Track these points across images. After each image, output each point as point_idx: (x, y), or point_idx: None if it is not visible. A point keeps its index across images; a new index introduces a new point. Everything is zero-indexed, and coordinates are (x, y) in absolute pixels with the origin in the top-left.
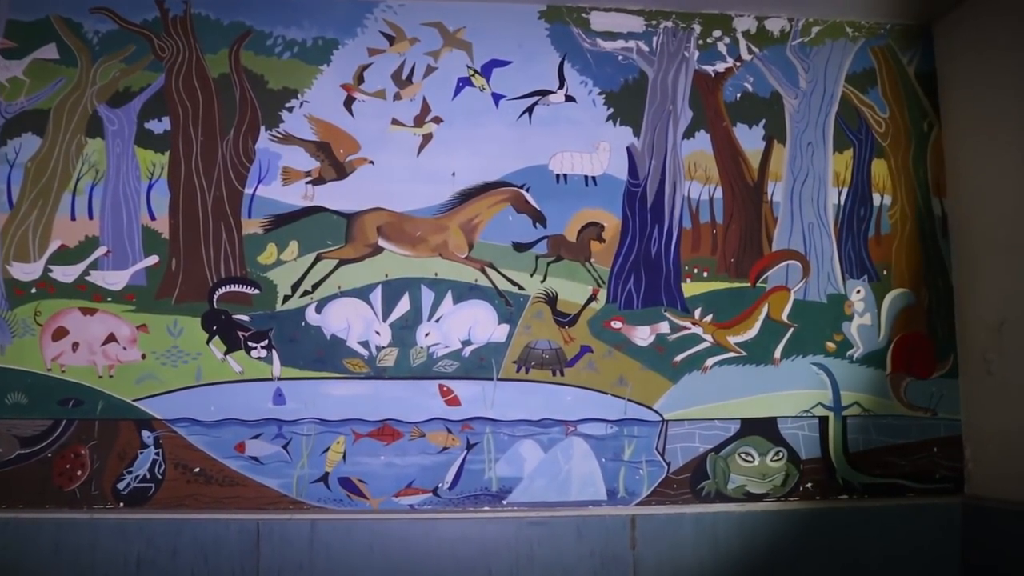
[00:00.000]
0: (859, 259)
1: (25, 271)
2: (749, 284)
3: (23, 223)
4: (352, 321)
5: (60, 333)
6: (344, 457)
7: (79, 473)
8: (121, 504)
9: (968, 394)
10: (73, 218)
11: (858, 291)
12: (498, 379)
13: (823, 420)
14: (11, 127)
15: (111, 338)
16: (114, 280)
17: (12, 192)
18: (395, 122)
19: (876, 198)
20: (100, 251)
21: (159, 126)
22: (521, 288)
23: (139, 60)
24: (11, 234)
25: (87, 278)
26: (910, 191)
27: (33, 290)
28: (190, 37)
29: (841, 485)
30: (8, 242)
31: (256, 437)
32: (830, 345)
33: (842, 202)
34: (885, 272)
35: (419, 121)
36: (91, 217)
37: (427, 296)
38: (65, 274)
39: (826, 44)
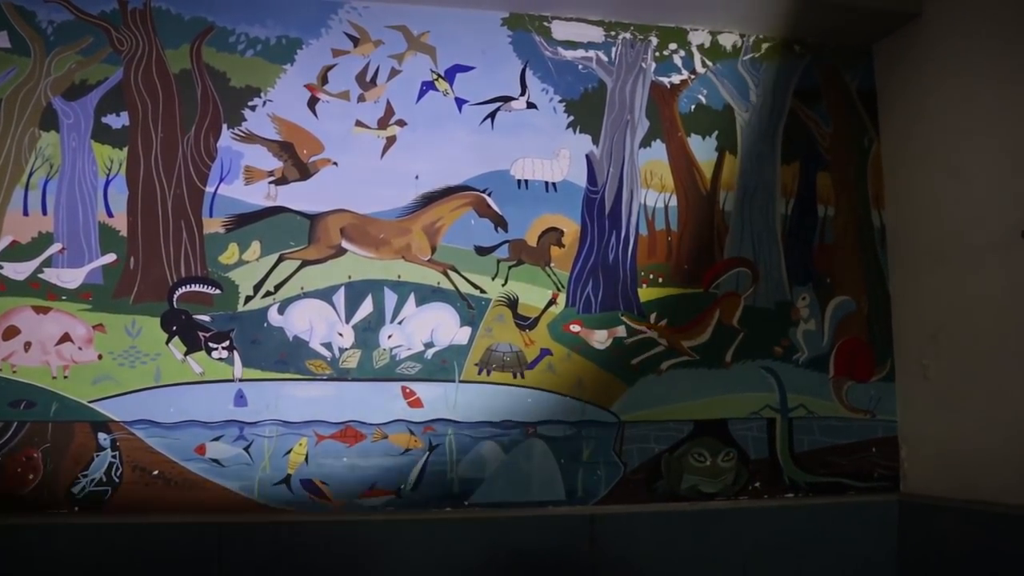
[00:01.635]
0: (804, 267)
1: None
2: (702, 290)
3: None
4: (315, 323)
5: (11, 332)
6: (307, 459)
7: (31, 477)
8: (76, 509)
9: (904, 397)
10: (26, 213)
11: (803, 298)
12: (460, 381)
13: (771, 421)
14: None
15: (66, 338)
16: (69, 278)
17: None
18: (359, 124)
19: (820, 209)
20: (54, 248)
21: (117, 121)
22: (483, 291)
23: (96, 52)
24: None
25: (40, 276)
26: (851, 203)
27: None
28: (150, 31)
29: (788, 484)
30: None
31: (217, 439)
32: (777, 349)
33: (789, 212)
34: (828, 280)
35: (383, 124)
36: (45, 213)
37: (390, 298)
38: (16, 271)
39: (775, 60)
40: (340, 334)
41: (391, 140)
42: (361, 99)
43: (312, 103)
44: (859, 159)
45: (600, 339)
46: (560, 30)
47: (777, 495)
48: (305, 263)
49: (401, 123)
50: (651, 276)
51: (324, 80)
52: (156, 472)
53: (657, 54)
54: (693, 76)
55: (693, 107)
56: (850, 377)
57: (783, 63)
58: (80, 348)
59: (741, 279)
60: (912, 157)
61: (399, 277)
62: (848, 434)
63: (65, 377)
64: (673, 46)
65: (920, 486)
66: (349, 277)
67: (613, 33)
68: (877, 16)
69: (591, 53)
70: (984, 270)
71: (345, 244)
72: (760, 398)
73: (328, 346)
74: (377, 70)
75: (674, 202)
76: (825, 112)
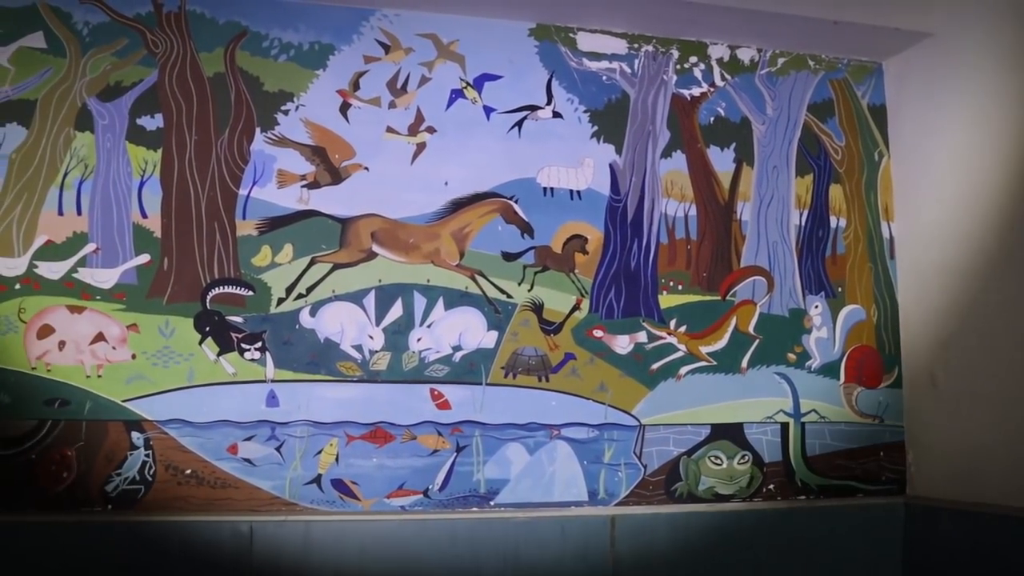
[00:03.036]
0: (817, 277)
1: (8, 266)
2: (719, 297)
3: (6, 216)
4: (346, 325)
5: (45, 331)
6: (337, 459)
7: (65, 475)
8: (110, 507)
9: (911, 403)
10: (60, 213)
11: (816, 306)
12: (487, 384)
13: (784, 426)
14: None
15: (100, 337)
16: (103, 278)
17: None
18: (390, 130)
19: (833, 220)
20: (89, 248)
21: (152, 123)
22: (509, 296)
23: (131, 54)
24: None
25: (75, 275)
26: (862, 215)
27: (17, 286)
28: (184, 34)
29: (800, 486)
30: None
31: (249, 439)
32: (791, 356)
33: (803, 223)
34: (840, 289)
35: (413, 130)
36: (79, 213)
37: (419, 302)
38: (51, 270)
39: (790, 75)
40: (370, 336)
41: (421, 146)
42: (392, 105)
43: (344, 108)
44: (869, 172)
45: (622, 344)
46: (585, 41)
47: (790, 497)
48: (336, 266)
49: (431, 130)
50: (671, 283)
51: (356, 86)
52: (189, 471)
53: (678, 67)
54: (712, 89)
55: (712, 119)
56: (859, 384)
57: (798, 77)
58: (114, 348)
59: (757, 287)
60: (921, 171)
61: (428, 281)
62: (857, 439)
63: (99, 376)
64: (694, 59)
65: (926, 489)
66: (379, 281)
67: (636, 45)
68: (891, 34)
69: (615, 65)
70: (993, 282)
71: (376, 248)
72: (774, 403)
73: (359, 348)
74: (408, 77)
75: (693, 211)
76: (837, 126)
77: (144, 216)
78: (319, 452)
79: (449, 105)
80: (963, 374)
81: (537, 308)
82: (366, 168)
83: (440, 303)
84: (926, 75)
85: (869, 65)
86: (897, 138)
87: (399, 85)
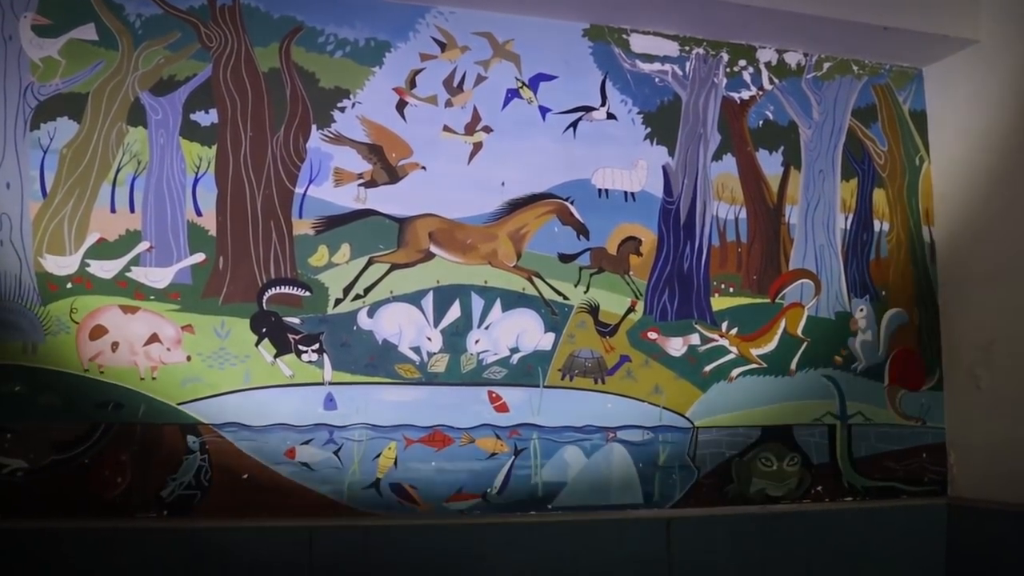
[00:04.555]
0: (862, 280)
1: (60, 265)
2: (769, 300)
3: (57, 213)
4: (404, 327)
5: (98, 332)
6: (396, 463)
7: (119, 480)
8: (165, 512)
9: (952, 405)
10: (113, 210)
11: (861, 309)
12: (544, 386)
13: (831, 428)
14: (45, 110)
15: (154, 338)
16: (157, 277)
17: (45, 179)
18: (447, 129)
19: (876, 224)
20: (142, 246)
21: (206, 118)
22: (566, 298)
23: (184, 48)
24: (44, 225)
25: (128, 274)
26: (904, 219)
27: (69, 285)
28: (239, 28)
29: (847, 488)
30: (41, 233)
31: (307, 443)
32: (837, 359)
33: (848, 227)
34: (884, 293)
35: (470, 129)
36: (132, 210)
37: (477, 303)
38: (104, 269)
39: (835, 79)
40: (428, 338)
41: (478, 146)
42: (448, 104)
43: (400, 106)
44: (911, 177)
45: (676, 346)
46: (638, 42)
47: (837, 499)
48: (394, 267)
49: (487, 129)
50: (722, 286)
51: (412, 84)
52: (246, 476)
53: (728, 70)
54: (761, 92)
55: (761, 123)
56: (903, 386)
57: (843, 82)
58: (168, 349)
59: (805, 290)
60: (962, 177)
61: (486, 282)
62: (901, 440)
63: (153, 378)
64: (743, 63)
65: (968, 490)
66: (437, 282)
67: (687, 48)
68: (937, 41)
69: (667, 67)
70: None
71: (433, 248)
72: (822, 405)
73: (417, 350)
74: (464, 76)
75: (743, 214)
76: (880, 131)
77: (199, 214)
78: (377, 456)
79: (505, 105)
80: (1005, 376)
81: (593, 310)
82: (423, 167)
83: (498, 305)
84: (967, 82)
85: (910, 71)
86: (938, 143)
87: (455, 84)
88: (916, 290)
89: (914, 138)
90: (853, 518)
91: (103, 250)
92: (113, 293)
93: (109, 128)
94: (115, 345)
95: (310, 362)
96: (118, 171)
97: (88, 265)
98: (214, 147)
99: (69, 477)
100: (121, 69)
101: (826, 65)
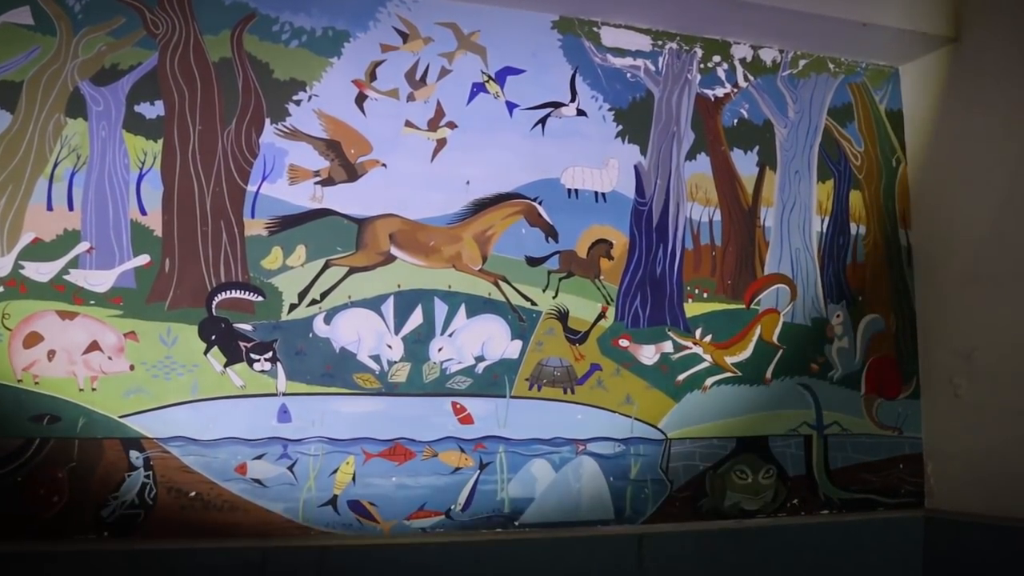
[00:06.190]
0: (839, 285)
1: None
2: (744, 306)
3: None
4: (363, 333)
5: (33, 339)
6: (354, 478)
7: (55, 499)
8: (106, 534)
9: (930, 414)
10: (50, 208)
11: (838, 315)
12: (511, 397)
13: (807, 438)
14: None
15: (94, 346)
16: (98, 281)
17: None
18: (408, 124)
19: (853, 227)
20: (82, 247)
21: (151, 110)
22: (534, 304)
23: (128, 35)
24: None
25: (66, 277)
26: (880, 222)
27: (1, 289)
28: (187, 14)
29: (823, 500)
30: None
31: (259, 457)
32: (813, 366)
33: (824, 230)
34: (860, 298)
35: (433, 125)
36: (71, 208)
37: (440, 309)
38: (39, 272)
39: (811, 77)
40: (389, 346)
41: (441, 142)
42: (411, 98)
43: (360, 100)
44: (887, 179)
45: (648, 354)
46: (609, 36)
47: (813, 512)
48: (353, 270)
49: (452, 125)
50: (696, 291)
51: (372, 76)
52: (193, 493)
53: (702, 65)
54: (736, 90)
55: (735, 121)
56: (880, 395)
57: (818, 80)
58: (110, 358)
59: (780, 295)
60: (938, 178)
61: (450, 287)
62: (877, 451)
63: (93, 389)
64: (717, 58)
65: (945, 501)
66: (398, 286)
67: (660, 42)
68: (916, 38)
69: (639, 62)
70: (1014, 290)
71: (394, 251)
72: (798, 415)
73: (376, 359)
74: (427, 68)
75: (718, 216)
76: (856, 131)
77: (143, 213)
78: (335, 471)
79: (470, 99)
80: (985, 384)
81: (562, 316)
82: (384, 164)
83: (462, 310)
84: (946, 81)
85: (886, 70)
86: (914, 144)
87: (418, 77)
88: (893, 295)
89: (890, 138)
90: (829, 532)
91: (39, 251)
92: (50, 297)
93: (46, 120)
94: (51, 354)
95: (263, 371)
96: (55, 166)
97: (22, 267)
98: (160, 141)
99: (1, 496)
100: (59, 56)
101: (802, 62)
